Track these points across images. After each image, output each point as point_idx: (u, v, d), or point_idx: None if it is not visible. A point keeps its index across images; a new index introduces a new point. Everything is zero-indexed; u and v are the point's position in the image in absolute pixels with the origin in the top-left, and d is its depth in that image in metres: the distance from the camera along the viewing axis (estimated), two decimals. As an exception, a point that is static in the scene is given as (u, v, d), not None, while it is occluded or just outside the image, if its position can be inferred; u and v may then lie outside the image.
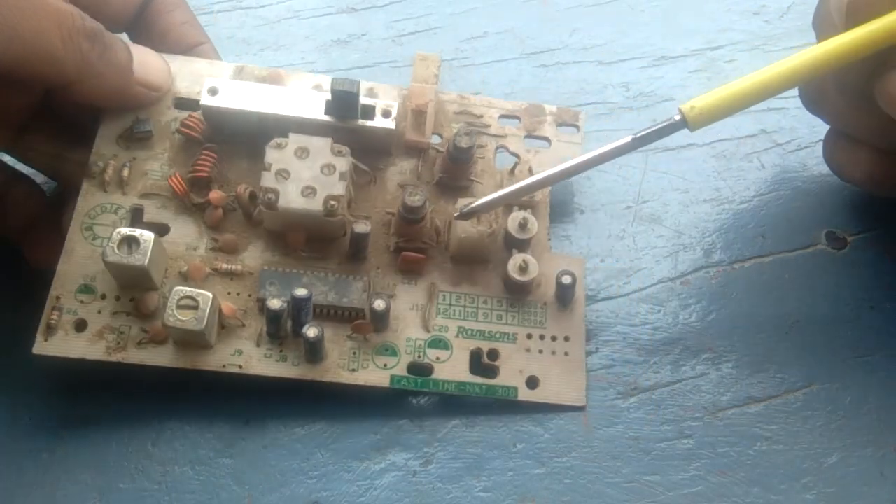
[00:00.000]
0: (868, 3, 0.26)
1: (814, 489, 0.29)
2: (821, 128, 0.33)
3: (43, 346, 0.29)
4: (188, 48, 0.33)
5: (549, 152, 0.33)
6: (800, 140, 0.35)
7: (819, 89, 0.31)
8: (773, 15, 0.39)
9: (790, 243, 0.33)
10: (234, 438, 0.30)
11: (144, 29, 0.33)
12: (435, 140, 0.33)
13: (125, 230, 0.28)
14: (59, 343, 0.29)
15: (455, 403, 0.31)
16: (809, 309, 0.32)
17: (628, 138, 0.28)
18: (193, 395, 0.31)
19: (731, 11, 0.38)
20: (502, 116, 0.34)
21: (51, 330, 0.29)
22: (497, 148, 0.33)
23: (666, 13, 0.38)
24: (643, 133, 0.28)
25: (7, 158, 0.33)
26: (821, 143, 0.33)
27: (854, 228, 0.33)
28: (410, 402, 0.31)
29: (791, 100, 0.35)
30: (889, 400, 0.30)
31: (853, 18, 0.27)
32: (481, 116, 0.33)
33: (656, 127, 0.28)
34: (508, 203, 0.31)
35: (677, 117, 0.28)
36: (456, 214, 0.30)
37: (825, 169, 0.34)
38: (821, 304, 0.32)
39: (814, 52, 0.27)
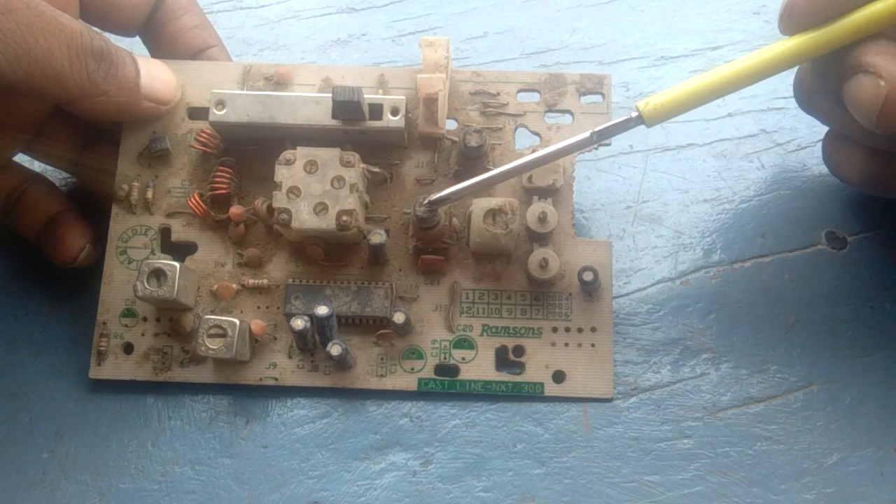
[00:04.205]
0: (805, 13, 0.27)
1: (814, 489, 0.29)
2: (821, 128, 0.33)
3: (97, 371, 0.31)
4: (198, 52, 0.33)
5: (572, 127, 0.32)
6: (800, 140, 0.35)
7: (808, 92, 0.31)
8: (773, 15, 0.39)
9: (790, 243, 0.33)
10: (234, 438, 0.30)
11: (155, 33, 0.33)
12: (451, 125, 0.32)
13: (152, 262, 0.29)
14: (111, 367, 0.31)
15: (455, 403, 0.31)
16: (809, 309, 0.32)
17: (587, 133, 0.28)
18: (194, 395, 0.31)
19: (731, 11, 0.38)
20: (521, 91, 0.33)
21: (101, 355, 0.31)
22: (516, 128, 0.32)
23: (666, 13, 0.38)
24: (601, 128, 0.28)
25: (24, 159, 0.33)
26: (821, 143, 0.33)
27: (854, 228, 0.33)
28: (410, 402, 0.31)
29: (791, 100, 0.35)
30: (889, 400, 0.30)
31: (794, 26, 0.27)
32: (497, 94, 0.32)
33: (614, 122, 0.28)
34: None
35: (634, 114, 0.28)
36: (420, 209, 0.30)
37: (825, 169, 0.34)
38: (821, 304, 0.32)
39: (765, 53, 0.27)
